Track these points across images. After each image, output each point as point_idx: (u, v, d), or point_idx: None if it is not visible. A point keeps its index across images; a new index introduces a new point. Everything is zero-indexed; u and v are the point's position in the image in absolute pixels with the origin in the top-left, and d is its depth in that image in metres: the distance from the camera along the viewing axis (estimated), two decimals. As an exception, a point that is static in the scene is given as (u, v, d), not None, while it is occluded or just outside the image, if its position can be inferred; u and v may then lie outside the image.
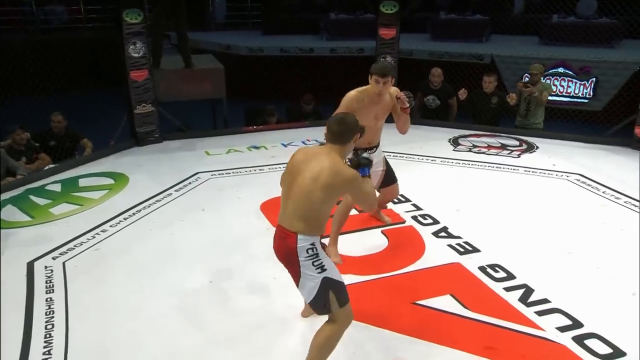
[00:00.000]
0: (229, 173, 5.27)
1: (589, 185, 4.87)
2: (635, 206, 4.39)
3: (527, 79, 6.55)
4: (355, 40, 10.21)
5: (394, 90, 3.40)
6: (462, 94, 6.27)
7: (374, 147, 3.53)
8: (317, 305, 2.40)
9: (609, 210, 4.35)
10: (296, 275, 2.39)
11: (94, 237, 3.93)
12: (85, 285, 3.32)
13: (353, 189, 2.44)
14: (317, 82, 9.19)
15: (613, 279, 3.35)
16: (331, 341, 2.42)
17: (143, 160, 5.68)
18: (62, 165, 5.39)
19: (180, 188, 4.87)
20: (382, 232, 4.00)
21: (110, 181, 5.06)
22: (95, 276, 3.43)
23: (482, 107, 6.40)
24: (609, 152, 5.78)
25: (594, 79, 8.81)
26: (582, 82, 8.60)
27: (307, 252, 2.34)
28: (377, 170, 3.56)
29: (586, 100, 8.71)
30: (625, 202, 4.48)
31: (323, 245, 2.46)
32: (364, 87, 3.34)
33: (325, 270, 2.35)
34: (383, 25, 6.74)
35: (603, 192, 4.69)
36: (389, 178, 3.73)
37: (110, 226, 4.11)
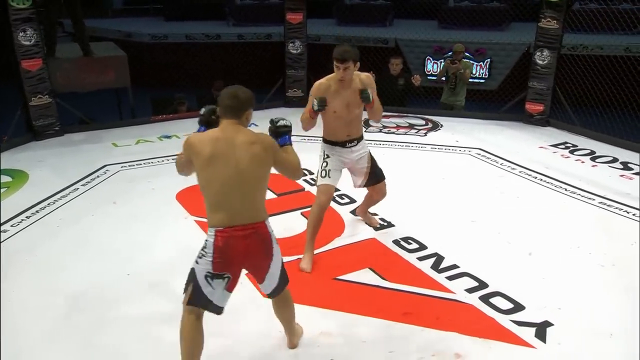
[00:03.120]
0: (140, 164, 5.10)
1: (488, 158, 5.24)
2: (529, 175, 4.80)
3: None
4: (263, 26, 10.18)
5: (365, 76, 3.29)
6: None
7: (354, 139, 3.40)
8: (283, 279, 2.40)
9: (506, 180, 4.72)
10: (265, 267, 2.30)
11: (-6, 239, 3.67)
12: (-12, 289, 3.10)
13: (277, 155, 2.33)
14: (227, 68, 9.07)
15: (512, 241, 3.66)
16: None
17: (43, 155, 5.34)
18: (-50, 165, 4.94)
19: (88, 182, 4.65)
20: (302, 214, 4.07)
21: (7, 179, 4.71)
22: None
23: (389, 89, 6.63)
24: (504, 127, 6.23)
25: (488, 60, 9.45)
26: (479, 63, 9.19)
27: (273, 234, 2.31)
28: (361, 167, 3.49)
29: (483, 80, 9.34)
30: (520, 172, 4.89)
31: None
32: (331, 75, 3.23)
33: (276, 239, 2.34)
34: (290, 9, 6.76)
35: (501, 164, 5.07)
36: (375, 176, 3.57)
37: (12, 226, 3.85)
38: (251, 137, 2.25)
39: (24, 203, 4.20)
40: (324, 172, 3.41)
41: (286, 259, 3.33)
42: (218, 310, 2.32)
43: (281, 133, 2.47)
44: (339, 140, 3.39)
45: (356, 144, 3.43)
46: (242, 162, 2.19)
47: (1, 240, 3.61)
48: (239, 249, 2.21)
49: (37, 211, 4.09)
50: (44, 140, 5.73)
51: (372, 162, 3.55)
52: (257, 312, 2.86)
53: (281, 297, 2.48)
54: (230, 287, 2.29)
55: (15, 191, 4.47)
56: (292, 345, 2.66)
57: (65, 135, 5.91)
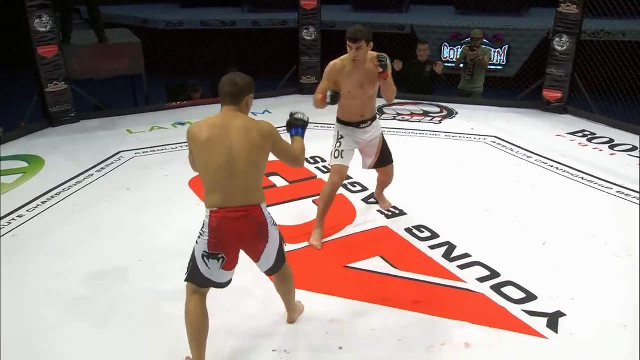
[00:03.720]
0: (154, 151, 5.14)
1: (503, 146, 5.17)
2: (545, 163, 4.73)
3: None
4: (277, 12, 10.11)
5: (374, 55, 3.22)
6: (397, 64, 6.37)
7: (367, 120, 3.43)
8: (280, 260, 2.45)
9: (522, 169, 4.66)
10: (260, 249, 2.34)
11: (10, 224, 3.72)
12: (4, 272, 3.14)
13: (276, 141, 2.38)
14: (241, 55, 9.05)
15: (525, 231, 3.62)
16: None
17: (59, 141, 5.40)
18: (-32, 150, 5.03)
19: (102, 168, 4.70)
20: (314, 202, 4.06)
21: (24, 164, 4.78)
22: (14, 263, 3.26)
23: (416, 76, 6.54)
24: (521, 114, 6.15)
25: (506, 47, 9.29)
26: (497, 50, 9.04)
27: (272, 219, 2.35)
28: (372, 148, 3.53)
29: (500, 67, 9.19)
30: (535, 160, 4.82)
31: None
32: (346, 55, 3.23)
33: (276, 223, 2.40)
34: (304, -5, 6.72)
35: (516, 153, 5.01)
36: (384, 158, 3.61)
37: (28, 211, 3.91)
38: (248, 123, 2.29)
39: (39, 188, 4.26)
40: (337, 153, 3.46)
41: (297, 246, 3.40)
42: (220, 285, 2.39)
43: (295, 125, 2.59)
44: (352, 121, 3.42)
45: (370, 125, 3.46)
46: (236, 146, 2.23)
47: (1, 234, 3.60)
48: (231, 230, 2.25)
49: (52, 197, 4.15)
50: (59, 126, 5.80)
51: (384, 144, 3.59)
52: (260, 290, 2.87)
53: (281, 274, 2.54)
54: (227, 267, 2.33)
55: (32, 177, 4.53)
56: (291, 320, 2.72)
57: (81, 121, 5.97)
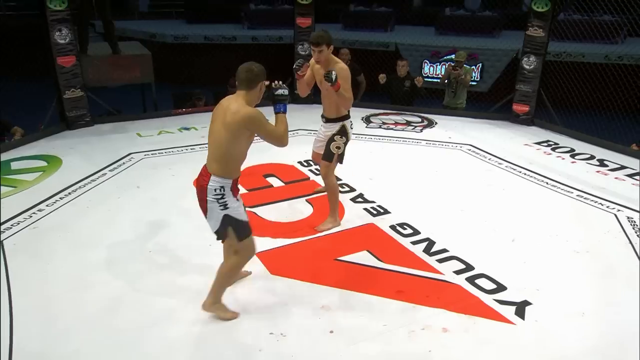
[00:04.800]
0: (162, 153, 5.12)
1: (477, 153, 5.23)
2: (514, 169, 4.80)
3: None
4: (274, 29, 10.14)
5: (340, 67, 3.26)
6: (382, 78, 6.40)
7: (324, 117, 3.55)
8: (219, 235, 2.59)
9: (494, 174, 4.71)
10: (204, 210, 2.52)
11: (31, 217, 3.70)
12: (25, 261, 3.14)
13: (254, 126, 2.45)
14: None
15: (496, 229, 3.67)
16: (233, 270, 2.66)
17: (75, 142, 5.36)
18: (-8, 150, 4.98)
19: (115, 168, 4.67)
20: (307, 200, 4.09)
21: (43, 163, 4.75)
22: (35, 252, 3.25)
23: (397, 89, 6.58)
24: (493, 125, 6.21)
25: (480, 65, 9.39)
26: (472, 67, 9.12)
27: (215, 191, 2.46)
28: (319, 144, 3.63)
29: (475, 83, 9.27)
30: (506, 166, 4.88)
31: (236, 188, 2.56)
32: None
33: (228, 209, 2.49)
34: (300, 14, 6.73)
35: (489, 159, 5.06)
36: (324, 155, 3.58)
37: (47, 205, 3.89)
38: (237, 107, 2.43)
39: (57, 185, 4.24)
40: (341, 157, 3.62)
41: (292, 240, 3.42)
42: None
43: (277, 101, 2.60)
44: (322, 113, 3.55)
45: (324, 122, 3.57)
46: (220, 124, 2.44)
47: (1, 239, 3.56)
48: (194, 182, 2.59)
49: (69, 193, 4.12)
50: (75, 129, 5.76)
51: (327, 146, 3.55)
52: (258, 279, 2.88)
53: (224, 251, 2.73)
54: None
55: (50, 175, 4.50)
56: (203, 305, 2.64)
57: (95, 125, 5.93)
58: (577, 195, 4.23)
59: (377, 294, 2.89)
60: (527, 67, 5.99)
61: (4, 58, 5.57)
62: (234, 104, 2.44)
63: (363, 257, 3.25)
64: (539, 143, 5.56)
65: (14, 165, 4.69)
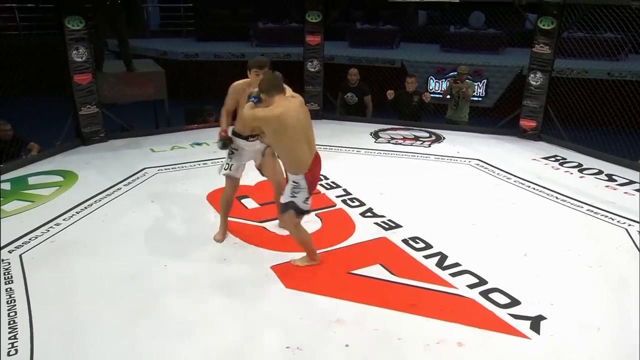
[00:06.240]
0: (175, 168, 5.15)
1: (486, 168, 5.23)
2: (522, 184, 4.79)
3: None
4: (282, 47, 10.25)
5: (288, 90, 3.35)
6: (390, 94, 6.45)
7: (256, 135, 3.50)
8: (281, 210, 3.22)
9: (503, 188, 4.70)
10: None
11: (48, 231, 3.72)
12: (44, 274, 3.16)
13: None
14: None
15: (508, 243, 3.65)
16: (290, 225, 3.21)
17: (90, 158, 5.41)
18: (10, 165, 5.01)
19: (129, 183, 4.70)
20: (317, 215, 4.08)
21: (59, 178, 4.79)
22: (53, 265, 3.26)
23: (405, 105, 6.62)
24: (500, 140, 6.20)
25: (485, 81, 9.43)
26: (476, 83, 9.17)
27: (292, 183, 3.04)
28: (258, 149, 3.59)
29: (480, 99, 9.32)
30: (514, 181, 4.87)
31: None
32: (249, 80, 3.37)
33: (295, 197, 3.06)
34: (309, 32, 6.80)
35: (497, 174, 5.06)
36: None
37: (64, 220, 3.91)
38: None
39: (74, 200, 4.27)
40: (226, 166, 3.57)
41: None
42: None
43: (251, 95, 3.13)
44: (243, 134, 3.50)
45: (257, 139, 3.52)
46: (308, 119, 3.15)
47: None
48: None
49: (86, 207, 4.15)
50: (90, 145, 5.81)
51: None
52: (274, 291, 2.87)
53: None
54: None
55: (67, 189, 4.53)
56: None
57: (109, 141, 5.98)
58: (587, 210, 4.21)
59: (391, 307, 2.87)
60: (534, 83, 6.01)
61: (23, 75, 5.62)
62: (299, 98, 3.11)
63: (376, 271, 3.24)
64: (546, 158, 5.56)
65: (31, 180, 4.73)
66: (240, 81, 3.43)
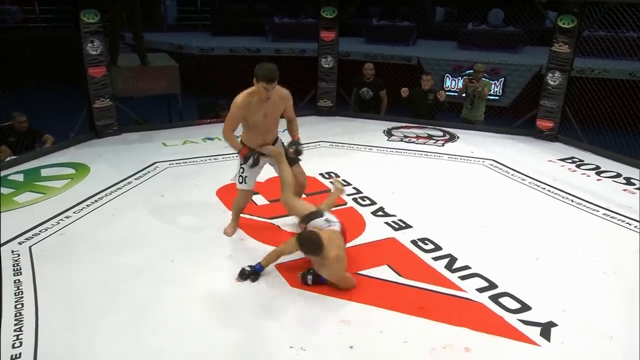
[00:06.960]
0: (186, 162, 5.16)
1: (500, 169, 5.13)
2: (537, 186, 4.69)
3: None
4: (297, 42, 10.20)
5: (285, 92, 3.34)
6: (405, 92, 6.38)
7: (268, 144, 3.45)
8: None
9: (517, 190, 4.61)
10: None
11: (59, 223, 3.75)
12: (52, 267, 3.17)
13: None
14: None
15: (521, 247, 3.57)
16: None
17: (103, 151, 5.44)
18: (24, 157, 5.08)
19: (140, 176, 4.72)
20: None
21: (71, 171, 4.82)
22: (62, 258, 3.28)
23: (419, 103, 6.53)
24: (516, 140, 6.09)
25: (502, 79, 9.27)
26: (493, 82, 9.01)
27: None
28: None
29: (497, 97, 9.16)
30: (529, 182, 4.77)
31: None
32: (252, 90, 3.23)
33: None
34: (324, 28, 6.73)
35: (512, 175, 4.96)
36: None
37: (74, 212, 3.94)
38: None
39: (85, 192, 4.29)
40: (241, 179, 3.51)
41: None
42: None
43: None
44: (253, 146, 3.43)
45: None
46: None
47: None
48: None
49: (96, 200, 4.17)
50: (103, 138, 5.84)
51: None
52: (277, 291, 2.84)
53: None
54: None
55: (78, 182, 4.56)
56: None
57: (122, 134, 6.01)
58: (603, 214, 4.10)
59: (398, 309, 2.83)
60: (552, 82, 5.88)
61: (39, 67, 5.68)
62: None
63: (383, 272, 3.19)
64: (563, 160, 5.43)
65: (44, 172, 4.77)
66: (241, 96, 3.25)
